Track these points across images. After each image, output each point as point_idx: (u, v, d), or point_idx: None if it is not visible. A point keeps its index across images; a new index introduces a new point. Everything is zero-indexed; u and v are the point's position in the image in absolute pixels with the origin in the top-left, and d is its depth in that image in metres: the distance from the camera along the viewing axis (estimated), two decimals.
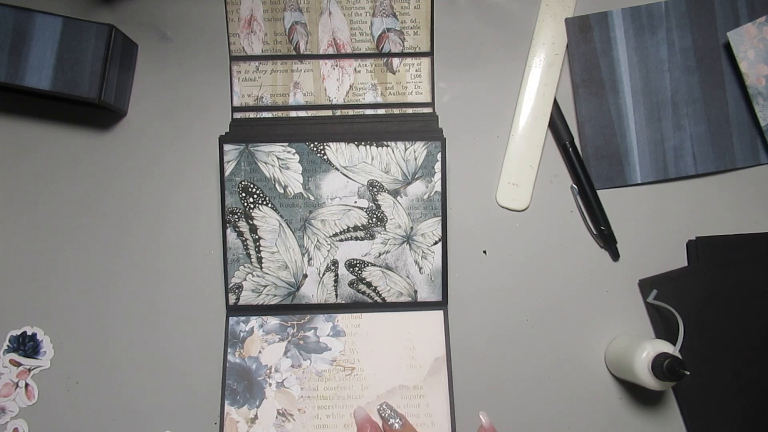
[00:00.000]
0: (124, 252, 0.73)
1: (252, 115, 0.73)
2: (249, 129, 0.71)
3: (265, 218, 0.69)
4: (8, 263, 0.73)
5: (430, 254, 0.70)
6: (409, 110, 0.73)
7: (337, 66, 0.73)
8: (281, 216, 0.70)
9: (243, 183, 0.69)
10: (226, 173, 0.69)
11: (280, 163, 0.68)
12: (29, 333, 0.72)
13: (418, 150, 0.68)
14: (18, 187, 0.74)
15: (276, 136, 0.68)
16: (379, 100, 0.73)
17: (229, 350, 0.71)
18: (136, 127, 0.74)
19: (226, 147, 0.68)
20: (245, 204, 0.69)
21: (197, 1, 0.75)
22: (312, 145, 0.68)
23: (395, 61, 0.73)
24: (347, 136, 0.68)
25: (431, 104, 0.73)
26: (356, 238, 0.70)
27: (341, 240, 0.70)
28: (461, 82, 0.75)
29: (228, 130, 0.72)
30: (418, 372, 0.71)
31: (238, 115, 0.73)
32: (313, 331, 0.71)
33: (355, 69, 0.73)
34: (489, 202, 0.75)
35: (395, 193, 0.69)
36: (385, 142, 0.68)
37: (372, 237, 0.70)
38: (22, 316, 0.73)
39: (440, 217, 0.70)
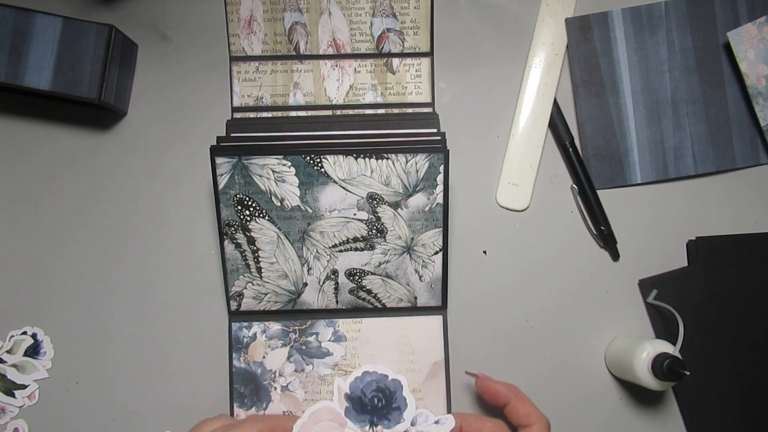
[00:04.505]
0: (124, 252, 0.73)
1: (252, 115, 0.73)
2: (246, 129, 0.71)
3: (263, 230, 0.69)
4: (8, 263, 0.73)
5: (431, 263, 0.70)
6: (409, 110, 0.73)
7: (337, 66, 0.73)
8: (279, 228, 0.69)
9: (238, 196, 0.68)
10: (220, 186, 0.68)
11: (276, 176, 0.68)
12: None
13: (419, 162, 0.67)
14: (18, 187, 0.74)
15: (269, 149, 0.67)
16: (379, 100, 0.73)
17: (233, 355, 0.71)
18: (136, 127, 0.74)
19: (219, 160, 0.67)
20: (242, 217, 0.69)
21: (197, 1, 0.75)
22: (308, 158, 0.67)
23: (395, 61, 0.73)
24: (345, 149, 0.67)
25: (431, 104, 0.73)
26: (356, 249, 0.70)
27: (341, 251, 0.70)
28: (461, 82, 0.75)
29: (226, 131, 0.72)
30: (417, 375, 0.71)
31: (238, 116, 0.73)
32: (314, 336, 0.71)
33: (355, 69, 0.73)
34: (489, 202, 0.75)
35: (396, 206, 0.69)
36: (385, 155, 0.67)
37: (372, 248, 0.70)
38: (22, 316, 0.73)
39: (441, 228, 0.70)
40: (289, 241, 0.70)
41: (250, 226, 0.69)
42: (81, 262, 0.73)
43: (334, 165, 0.68)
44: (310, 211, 0.69)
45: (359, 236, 0.70)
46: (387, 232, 0.70)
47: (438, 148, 0.67)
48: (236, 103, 0.73)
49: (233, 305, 0.71)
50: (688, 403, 0.72)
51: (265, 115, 0.73)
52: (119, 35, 0.70)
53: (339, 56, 0.73)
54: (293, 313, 0.72)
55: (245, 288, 0.71)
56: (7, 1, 0.68)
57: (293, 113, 0.73)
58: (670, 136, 0.74)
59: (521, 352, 0.73)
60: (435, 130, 0.70)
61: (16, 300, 0.73)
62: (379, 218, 0.69)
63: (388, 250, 0.70)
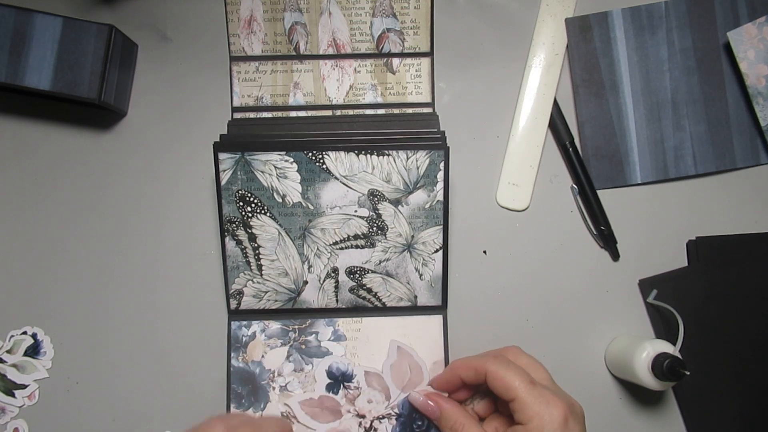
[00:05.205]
0: (124, 252, 0.73)
1: (252, 115, 0.73)
2: (247, 129, 0.71)
3: (264, 227, 0.69)
4: (8, 263, 0.73)
5: (431, 262, 0.70)
6: (409, 110, 0.73)
7: (337, 66, 0.73)
8: (280, 225, 0.69)
9: (240, 192, 0.68)
10: (222, 182, 0.68)
11: (278, 172, 0.68)
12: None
13: (420, 159, 0.67)
14: (18, 187, 0.74)
15: (272, 145, 0.67)
16: (379, 100, 0.73)
17: (232, 354, 0.71)
18: (136, 128, 0.74)
19: (222, 156, 0.67)
20: (243, 213, 0.69)
21: (197, 1, 0.75)
22: (310, 154, 0.67)
23: (395, 61, 0.73)
24: (347, 145, 0.67)
25: (431, 104, 0.73)
26: (356, 247, 0.70)
27: (341, 248, 0.70)
28: (461, 82, 0.75)
29: (226, 131, 0.72)
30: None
31: (238, 116, 0.73)
32: (314, 335, 0.71)
33: (355, 69, 0.73)
34: (489, 202, 0.75)
35: (396, 203, 0.69)
36: (386, 151, 0.67)
37: (372, 245, 0.70)
38: (22, 316, 0.73)
39: (441, 226, 0.69)
40: (290, 238, 0.70)
41: (251, 223, 0.69)
42: (81, 262, 0.73)
43: (336, 161, 0.68)
44: (311, 207, 0.69)
45: (360, 233, 0.70)
46: (387, 230, 0.70)
47: (438, 145, 0.67)
48: (236, 103, 0.73)
49: (233, 303, 0.71)
50: (688, 403, 0.72)
51: (265, 115, 0.73)
52: (119, 35, 0.70)
53: (339, 56, 0.73)
54: (293, 312, 0.71)
55: (245, 286, 0.71)
56: (7, 1, 0.68)
57: (293, 113, 0.73)
58: (670, 136, 0.74)
59: None
60: (435, 130, 0.70)
61: (16, 300, 0.73)
62: (379, 215, 0.69)
63: (389, 247, 0.70)
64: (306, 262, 0.70)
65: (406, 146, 0.67)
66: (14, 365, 0.72)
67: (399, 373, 0.70)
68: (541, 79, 0.74)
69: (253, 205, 0.69)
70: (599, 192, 0.74)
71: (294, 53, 0.73)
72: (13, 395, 0.72)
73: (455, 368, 0.66)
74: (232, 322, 0.71)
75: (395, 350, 0.71)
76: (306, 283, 0.71)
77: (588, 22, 0.74)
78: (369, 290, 0.71)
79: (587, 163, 0.74)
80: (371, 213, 0.69)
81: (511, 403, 0.60)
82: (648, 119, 0.74)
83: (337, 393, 0.70)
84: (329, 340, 0.71)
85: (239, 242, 0.70)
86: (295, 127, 0.72)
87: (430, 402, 0.67)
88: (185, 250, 0.73)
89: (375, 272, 0.70)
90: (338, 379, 0.70)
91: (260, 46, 0.73)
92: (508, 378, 0.61)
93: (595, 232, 0.74)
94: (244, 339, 0.71)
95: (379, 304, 0.71)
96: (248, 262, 0.70)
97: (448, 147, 0.67)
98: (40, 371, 0.72)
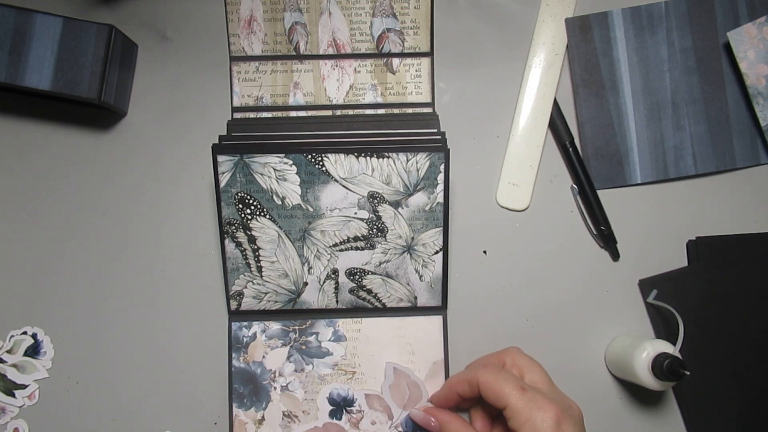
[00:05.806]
0: (124, 252, 0.73)
1: (252, 115, 0.73)
2: (247, 129, 0.71)
3: (264, 229, 0.69)
4: (8, 263, 0.73)
5: (431, 263, 0.70)
6: (409, 110, 0.73)
7: (337, 66, 0.73)
8: (280, 227, 0.69)
9: (239, 194, 0.68)
10: (222, 185, 0.68)
11: (277, 174, 0.68)
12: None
13: (420, 161, 0.67)
14: (18, 187, 0.74)
15: (270, 147, 0.67)
16: (379, 100, 0.73)
17: (233, 355, 0.71)
18: (136, 128, 0.74)
19: (221, 158, 0.67)
20: (242, 215, 0.69)
21: (197, 1, 0.75)
22: (310, 157, 0.67)
23: (395, 61, 0.73)
24: (346, 148, 0.67)
25: (431, 104, 0.73)
26: (356, 248, 0.70)
27: (341, 250, 0.70)
28: (461, 82, 0.75)
29: (227, 131, 0.72)
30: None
31: (238, 116, 0.73)
32: (314, 336, 0.71)
33: (355, 69, 0.73)
34: (489, 202, 0.74)
35: (396, 205, 0.69)
36: (386, 153, 0.67)
37: (372, 247, 0.70)
38: (22, 316, 0.73)
39: (442, 228, 0.69)
40: (290, 240, 0.70)
41: (251, 225, 0.69)
42: (81, 262, 0.73)
43: (336, 163, 0.68)
44: (311, 209, 0.69)
45: (360, 235, 0.70)
46: (387, 231, 0.70)
47: (438, 147, 0.67)
48: (236, 103, 0.73)
49: (233, 305, 0.71)
50: (688, 403, 0.72)
51: (265, 115, 0.73)
52: (119, 35, 0.70)
53: (339, 56, 0.73)
54: (293, 312, 0.72)
55: (245, 287, 0.71)
56: (7, 1, 0.68)
57: (293, 113, 0.73)
58: (670, 136, 0.74)
59: None
60: (435, 130, 0.70)
61: (16, 300, 0.73)
62: (379, 217, 0.69)
63: (389, 249, 0.70)
64: (306, 264, 0.70)
65: (406, 148, 0.67)
66: (14, 365, 0.72)
67: (398, 393, 0.71)
68: (541, 79, 0.74)
69: (252, 208, 0.69)
70: (599, 192, 0.74)
71: (294, 53, 0.73)
72: (13, 395, 0.72)
73: (451, 384, 0.67)
74: (233, 323, 0.71)
75: (392, 372, 0.71)
76: (306, 284, 0.71)
77: (588, 22, 0.74)
78: (369, 291, 0.71)
79: (587, 163, 0.74)
80: (371, 215, 0.69)
81: (504, 411, 0.61)
82: (648, 119, 0.74)
83: (340, 419, 0.71)
84: (329, 340, 0.71)
85: (239, 244, 0.70)
86: (295, 127, 0.72)
87: (431, 418, 0.68)
88: (185, 250, 0.73)
89: (375, 273, 0.70)
90: (340, 405, 0.71)
91: (260, 46, 0.73)
92: (498, 386, 0.61)
93: (595, 232, 0.74)
94: (244, 339, 0.71)
95: (379, 305, 0.71)
96: (248, 264, 0.70)
97: (449, 149, 0.67)
98: (40, 371, 0.72)
